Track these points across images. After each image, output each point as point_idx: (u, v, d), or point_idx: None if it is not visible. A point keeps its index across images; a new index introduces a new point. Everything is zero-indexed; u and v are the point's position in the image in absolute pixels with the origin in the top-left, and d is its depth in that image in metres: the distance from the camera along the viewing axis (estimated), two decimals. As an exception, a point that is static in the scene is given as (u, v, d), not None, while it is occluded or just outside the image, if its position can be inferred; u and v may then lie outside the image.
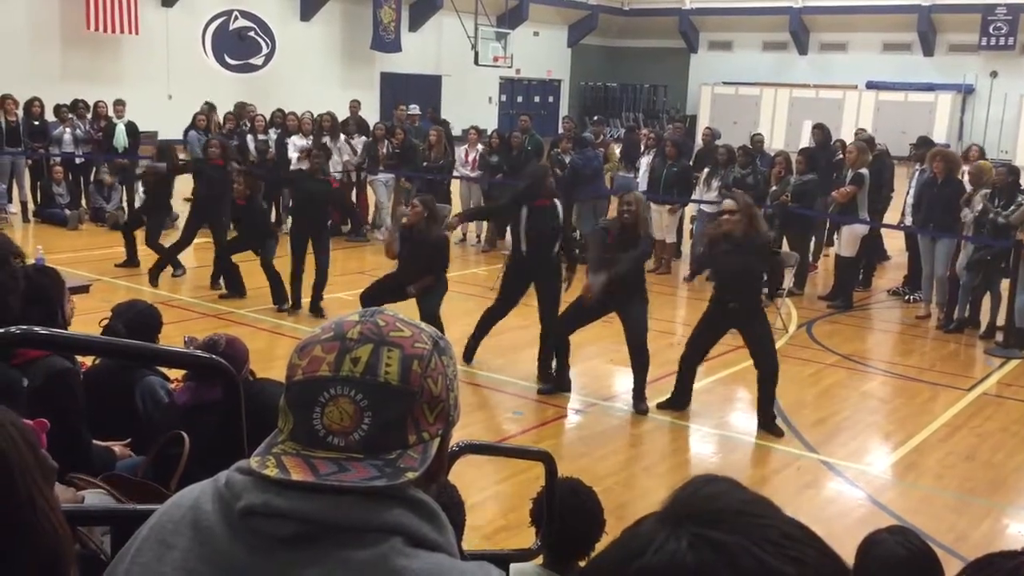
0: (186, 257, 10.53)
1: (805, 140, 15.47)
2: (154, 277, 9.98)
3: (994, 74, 28.86)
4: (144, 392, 3.81)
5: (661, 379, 7.30)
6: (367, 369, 1.12)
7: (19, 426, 1.17)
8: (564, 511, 3.12)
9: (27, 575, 1.15)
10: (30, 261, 3.65)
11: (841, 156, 12.04)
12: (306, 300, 9.19)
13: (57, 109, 14.13)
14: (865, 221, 10.24)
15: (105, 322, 4.05)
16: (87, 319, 4.15)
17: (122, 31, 21.33)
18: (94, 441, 3.17)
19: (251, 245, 9.49)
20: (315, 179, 9.30)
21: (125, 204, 13.72)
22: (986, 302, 9.34)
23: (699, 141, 14.37)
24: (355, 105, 14.45)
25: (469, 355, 7.63)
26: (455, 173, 13.33)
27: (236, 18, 24.32)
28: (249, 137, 13.49)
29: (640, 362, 6.84)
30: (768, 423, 6.53)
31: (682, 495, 0.85)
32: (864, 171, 10.11)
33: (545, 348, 7.30)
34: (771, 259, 7.28)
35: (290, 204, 11.43)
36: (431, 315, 7.21)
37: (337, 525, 1.08)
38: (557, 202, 7.37)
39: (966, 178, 9.73)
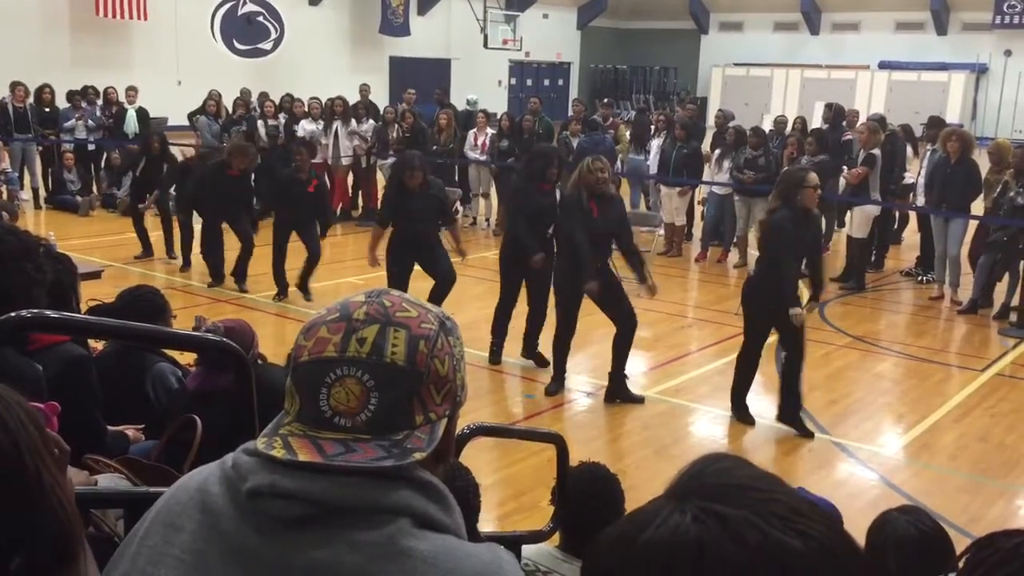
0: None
1: (817, 122, 15.36)
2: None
3: (1008, 53, 28.57)
4: (155, 378, 3.80)
5: (672, 362, 7.28)
6: (373, 349, 1.12)
7: (24, 405, 1.16)
8: (584, 495, 3.10)
9: (37, 556, 1.14)
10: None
11: (850, 137, 11.96)
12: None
13: (70, 96, 14.17)
14: (877, 202, 10.18)
15: (94, 302, 3.98)
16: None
17: (131, 17, 21.35)
18: (108, 427, 3.17)
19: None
20: (296, 180, 8.81)
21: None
22: (1001, 283, 9.28)
23: (711, 123, 14.29)
24: (365, 89, 14.41)
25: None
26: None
27: (244, 3, 24.28)
28: (260, 123, 13.52)
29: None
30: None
31: (689, 472, 0.85)
32: (876, 152, 10.05)
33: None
34: None
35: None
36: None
37: (344, 506, 1.07)
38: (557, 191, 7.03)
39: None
